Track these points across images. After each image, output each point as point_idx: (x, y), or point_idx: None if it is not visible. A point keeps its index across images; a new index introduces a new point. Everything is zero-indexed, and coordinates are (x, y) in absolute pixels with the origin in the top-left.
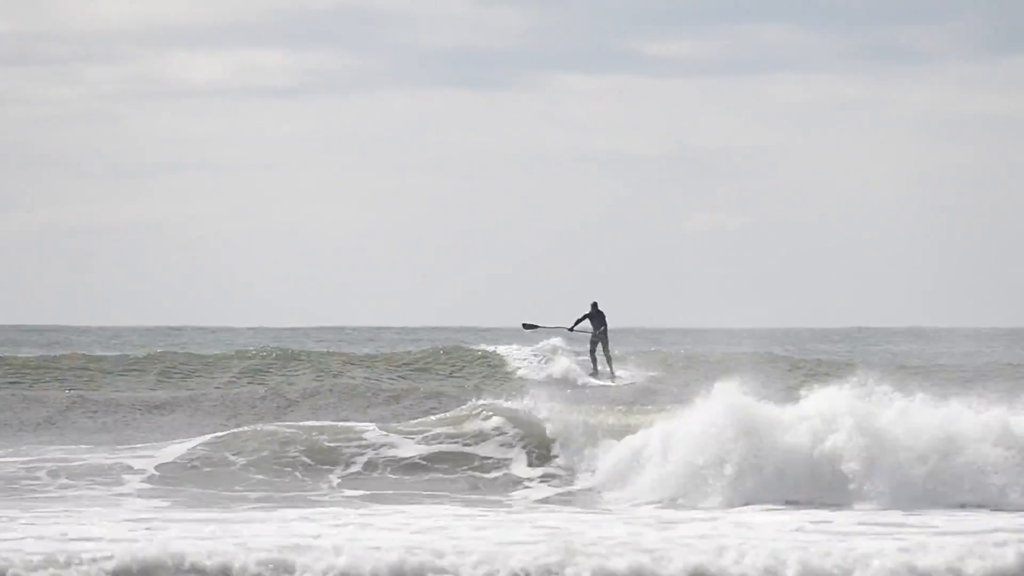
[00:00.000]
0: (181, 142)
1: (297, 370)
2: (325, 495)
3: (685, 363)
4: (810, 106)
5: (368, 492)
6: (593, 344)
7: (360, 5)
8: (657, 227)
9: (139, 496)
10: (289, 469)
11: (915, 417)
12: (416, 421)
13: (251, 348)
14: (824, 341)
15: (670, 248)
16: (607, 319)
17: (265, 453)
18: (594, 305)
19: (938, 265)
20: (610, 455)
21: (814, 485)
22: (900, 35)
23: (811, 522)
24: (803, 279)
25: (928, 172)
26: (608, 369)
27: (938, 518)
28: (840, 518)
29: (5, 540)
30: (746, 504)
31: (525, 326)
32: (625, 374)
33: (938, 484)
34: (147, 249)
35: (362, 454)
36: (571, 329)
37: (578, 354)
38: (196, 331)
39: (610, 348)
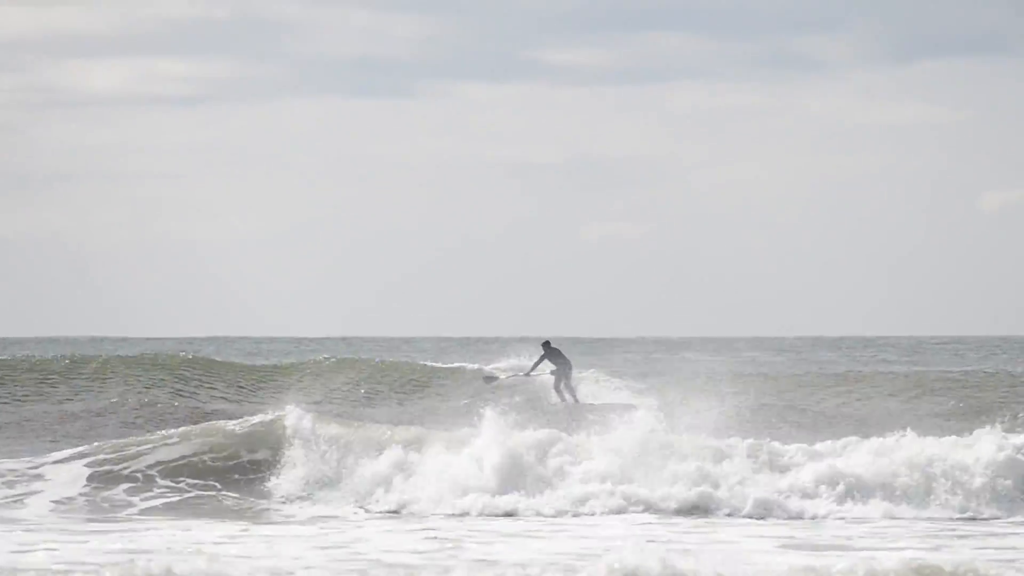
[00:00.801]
0: (78, 151)
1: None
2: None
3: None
4: (710, 114)
5: None
6: (557, 382)
7: (260, 14)
8: (558, 236)
9: None
10: None
11: None
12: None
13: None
14: (729, 350)
15: (570, 257)
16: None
17: None
18: (546, 345)
19: (836, 273)
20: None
21: None
22: (799, 43)
23: None
24: (702, 287)
25: (827, 180)
26: (574, 399)
27: None
28: None
29: None
30: None
31: (486, 379)
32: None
33: None
34: (43, 259)
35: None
36: (527, 375)
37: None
38: (91, 341)
39: (572, 379)
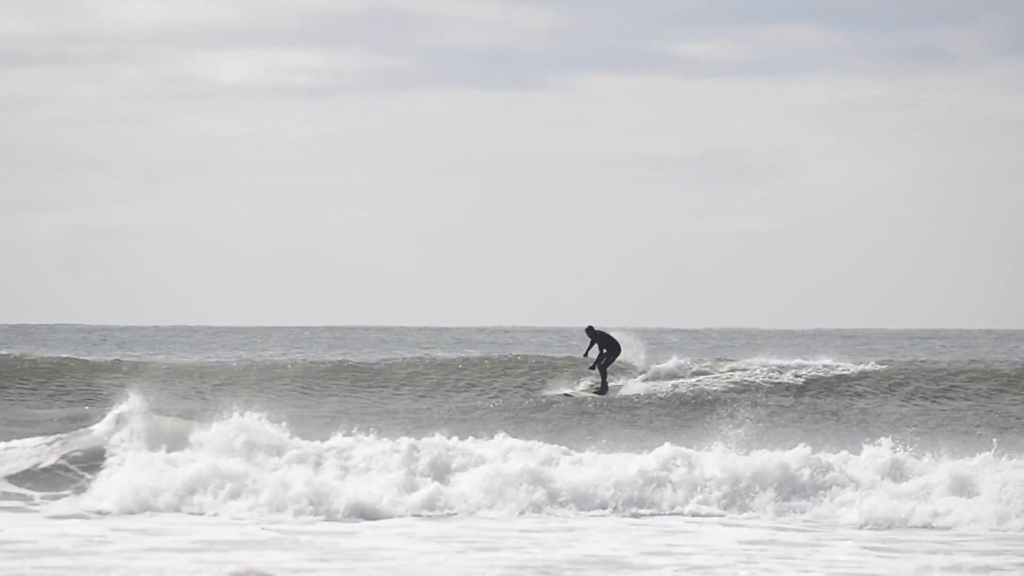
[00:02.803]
0: (211, 143)
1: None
2: None
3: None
4: (839, 107)
5: None
6: (604, 361)
7: (389, 6)
8: (685, 228)
9: None
10: None
11: None
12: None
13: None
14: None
15: (698, 249)
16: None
17: None
18: (590, 330)
19: (968, 266)
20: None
21: None
22: (930, 36)
23: None
24: (832, 281)
25: (958, 173)
26: (603, 382)
27: None
28: None
29: None
30: None
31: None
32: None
33: None
34: (178, 249)
35: None
36: (585, 356)
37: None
38: (225, 331)
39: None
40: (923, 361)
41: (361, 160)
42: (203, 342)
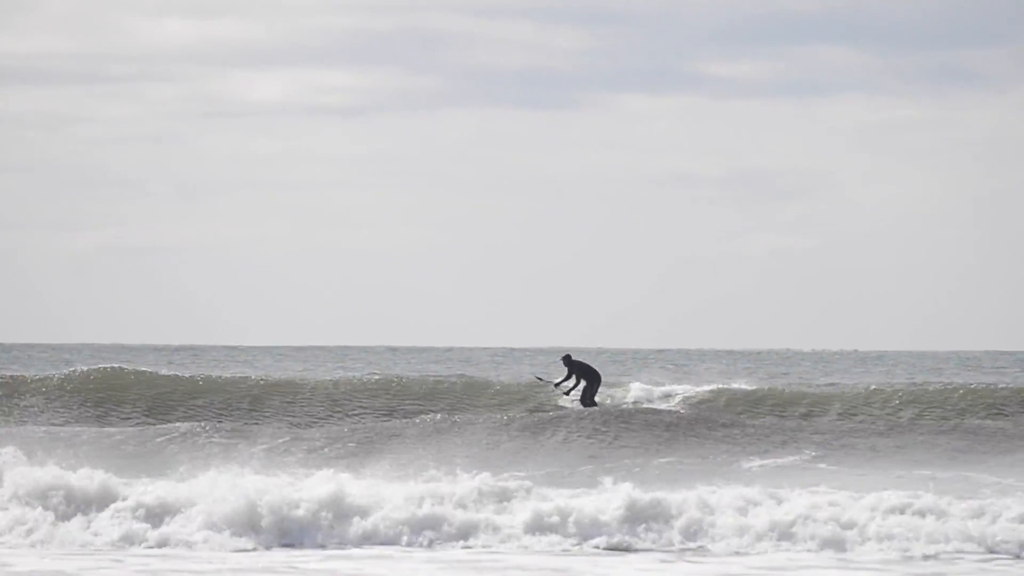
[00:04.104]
0: (244, 161)
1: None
2: None
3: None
4: (873, 128)
5: None
6: (585, 395)
7: (423, 26)
8: (718, 249)
9: None
10: None
11: None
12: None
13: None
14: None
15: (731, 269)
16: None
17: None
18: (567, 359)
19: (1005, 287)
20: None
21: None
22: (964, 57)
23: None
24: (866, 301)
25: (993, 193)
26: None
27: None
28: None
29: None
30: None
31: (539, 378)
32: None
33: None
34: (211, 267)
35: None
36: (556, 385)
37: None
38: (258, 351)
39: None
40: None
41: (393, 179)
42: (222, 360)
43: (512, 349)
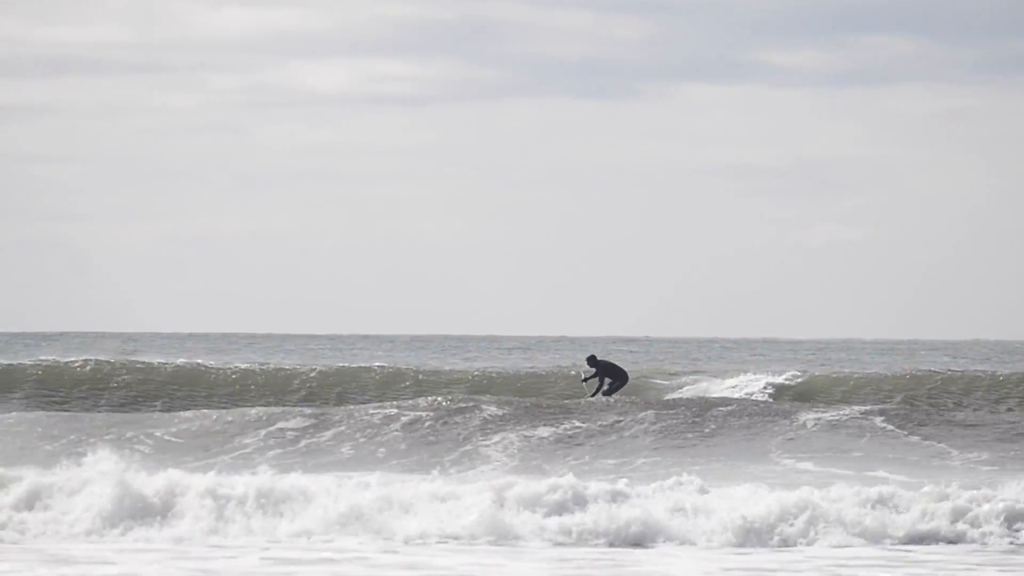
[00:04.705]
0: (305, 152)
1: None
2: None
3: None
4: (934, 117)
5: None
6: (609, 391)
7: (483, 16)
8: (777, 238)
9: None
10: None
11: None
12: None
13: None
14: (950, 354)
15: (790, 259)
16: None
17: None
18: (591, 359)
19: None
20: None
21: None
22: (1022, 46)
23: None
24: (926, 291)
25: None
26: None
27: None
28: None
29: None
30: None
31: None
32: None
33: None
34: (270, 257)
35: None
36: (584, 380)
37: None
38: (318, 339)
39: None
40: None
41: (454, 169)
42: (273, 349)
43: (572, 338)
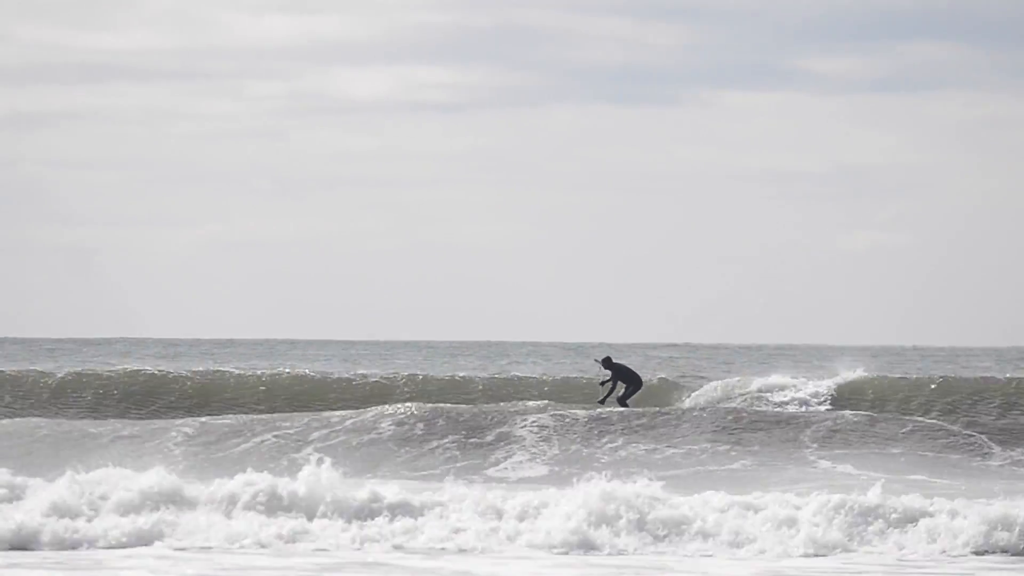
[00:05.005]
0: (345, 157)
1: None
2: None
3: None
4: (973, 124)
5: None
6: (623, 397)
7: (522, 22)
8: (817, 245)
9: None
10: None
11: None
12: None
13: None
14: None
15: (830, 266)
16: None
17: None
18: (607, 361)
19: None
20: None
21: None
22: None
23: None
24: (966, 298)
25: None
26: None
27: None
28: None
29: None
30: None
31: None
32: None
33: None
34: (312, 263)
35: None
36: (602, 384)
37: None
38: (362, 345)
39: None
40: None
41: (493, 175)
42: (306, 355)
43: (612, 344)
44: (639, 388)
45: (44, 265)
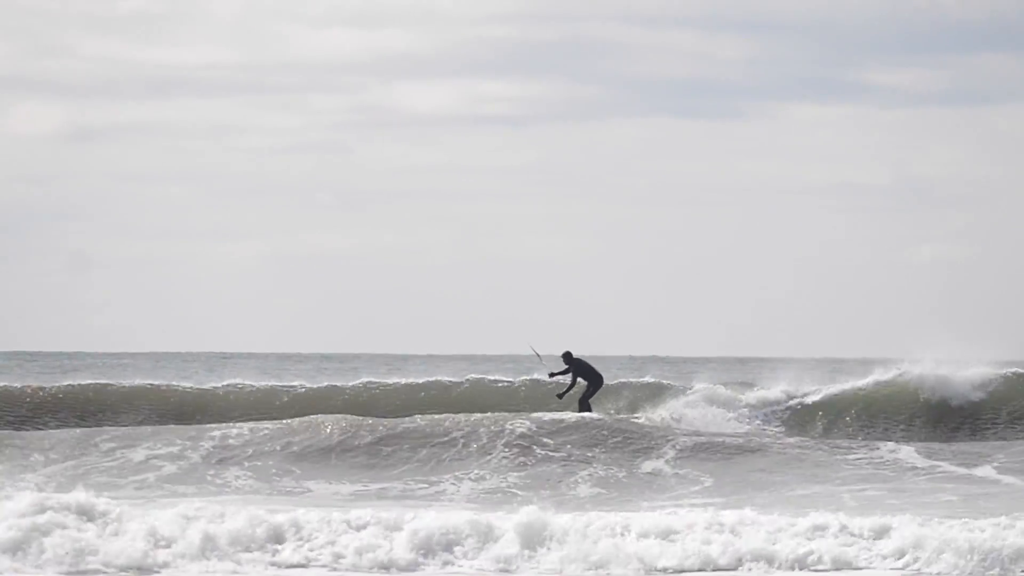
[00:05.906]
0: (408, 171)
1: None
2: None
3: None
4: None
5: None
6: (585, 396)
7: (585, 36)
8: (883, 257)
9: None
10: None
11: None
12: None
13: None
14: None
15: (894, 278)
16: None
17: None
18: (567, 356)
19: None
20: None
21: None
22: None
23: None
24: None
25: None
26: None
27: None
28: None
29: None
30: None
31: (537, 355)
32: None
33: None
34: (375, 276)
35: None
36: (551, 376)
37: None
38: (416, 359)
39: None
40: None
41: (556, 189)
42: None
43: (675, 358)
44: (599, 387)
45: (111, 279)
